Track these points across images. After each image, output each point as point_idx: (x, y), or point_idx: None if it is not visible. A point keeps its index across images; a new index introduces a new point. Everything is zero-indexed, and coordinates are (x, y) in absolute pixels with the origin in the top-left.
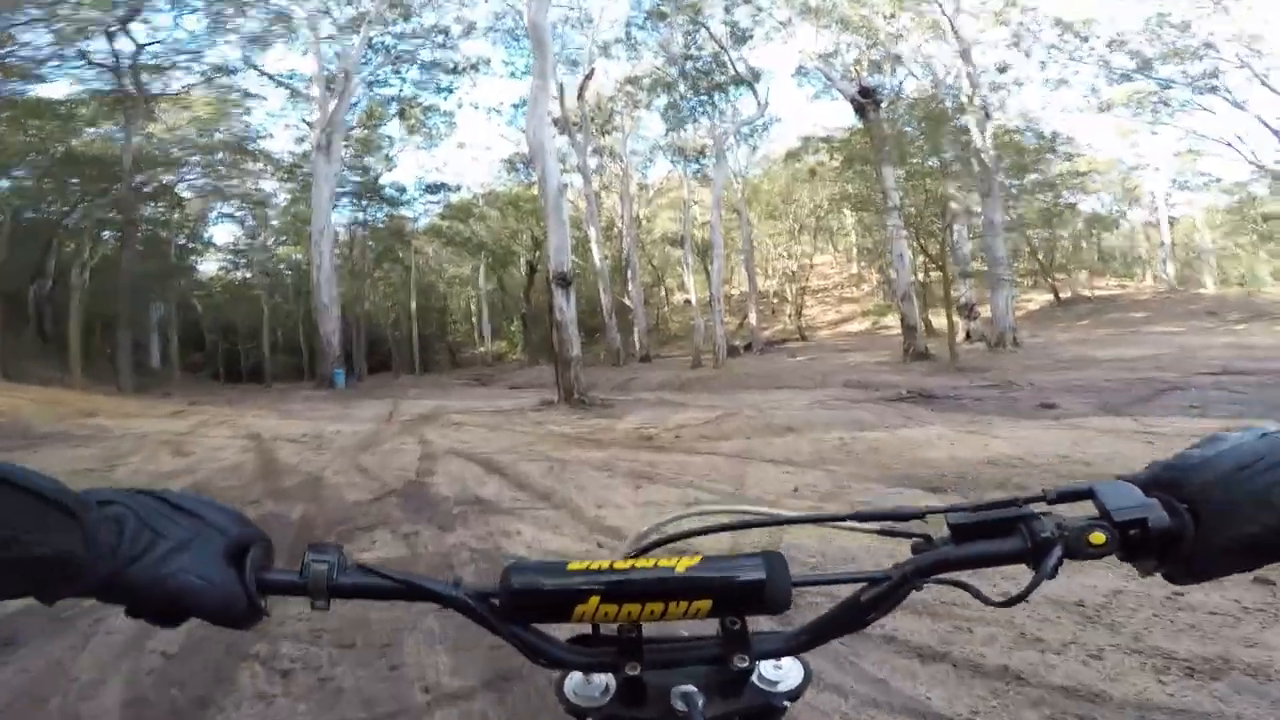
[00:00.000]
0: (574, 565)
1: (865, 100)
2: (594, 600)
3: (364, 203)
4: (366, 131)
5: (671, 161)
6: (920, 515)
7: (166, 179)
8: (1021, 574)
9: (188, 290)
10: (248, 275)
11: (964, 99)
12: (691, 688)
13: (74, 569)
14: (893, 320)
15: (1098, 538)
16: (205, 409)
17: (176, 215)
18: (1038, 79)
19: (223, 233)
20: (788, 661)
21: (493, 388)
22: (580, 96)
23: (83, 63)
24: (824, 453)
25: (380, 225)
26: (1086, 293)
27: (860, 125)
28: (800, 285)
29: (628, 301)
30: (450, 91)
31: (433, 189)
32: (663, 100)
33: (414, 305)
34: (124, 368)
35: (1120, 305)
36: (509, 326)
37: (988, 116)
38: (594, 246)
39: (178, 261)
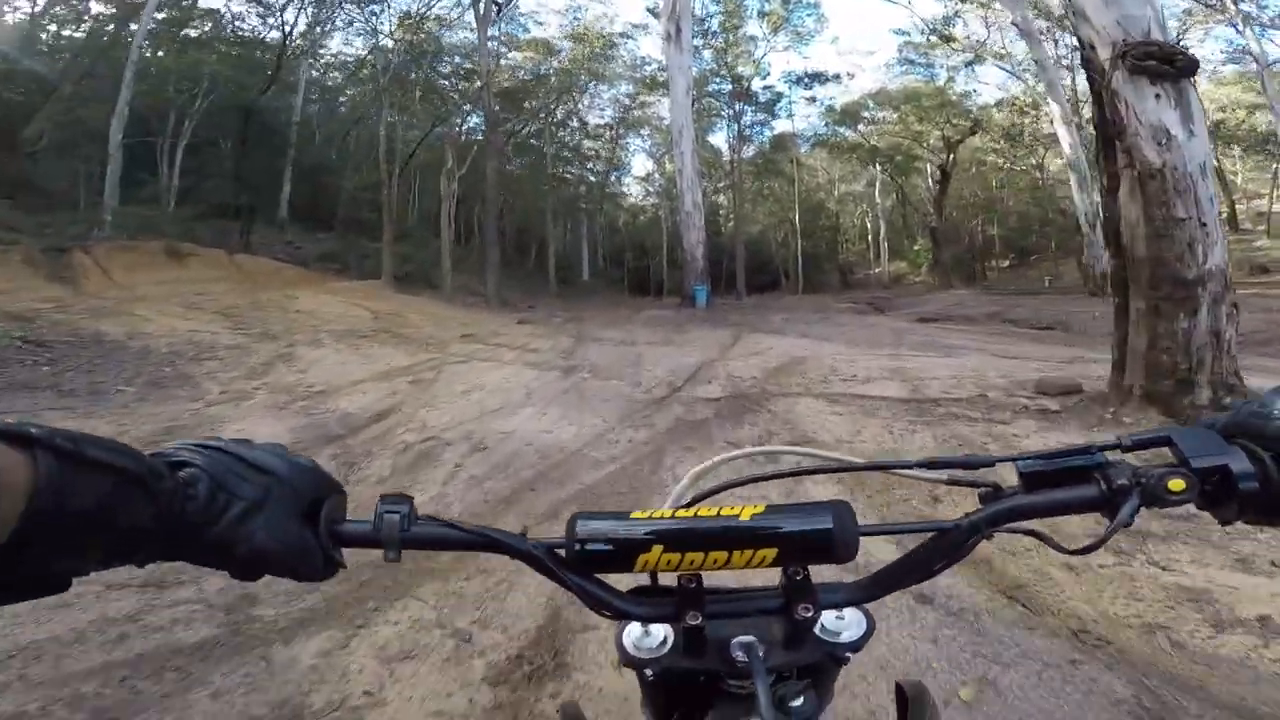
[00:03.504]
0: (637, 514)
1: None
2: (657, 549)
3: (739, 108)
4: (728, 35)
5: None
6: (991, 463)
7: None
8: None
9: (612, 213)
10: (655, 200)
11: None
12: (751, 638)
13: (147, 537)
14: None
15: (1177, 484)
16: (511, 335)
17: (589, 142)
18: None
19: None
20: (849, 612)
21: (892, 316)
22: None
23: None
24: None
25: (759, 136)
26: None
27: None
28: None
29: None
30: None
31: (806, 80)
32: None
33: (798, 219)
34: (491, 280)
35: None
36: (909, 245)
37: None
38: (1060, 127)
39: (568, 180)
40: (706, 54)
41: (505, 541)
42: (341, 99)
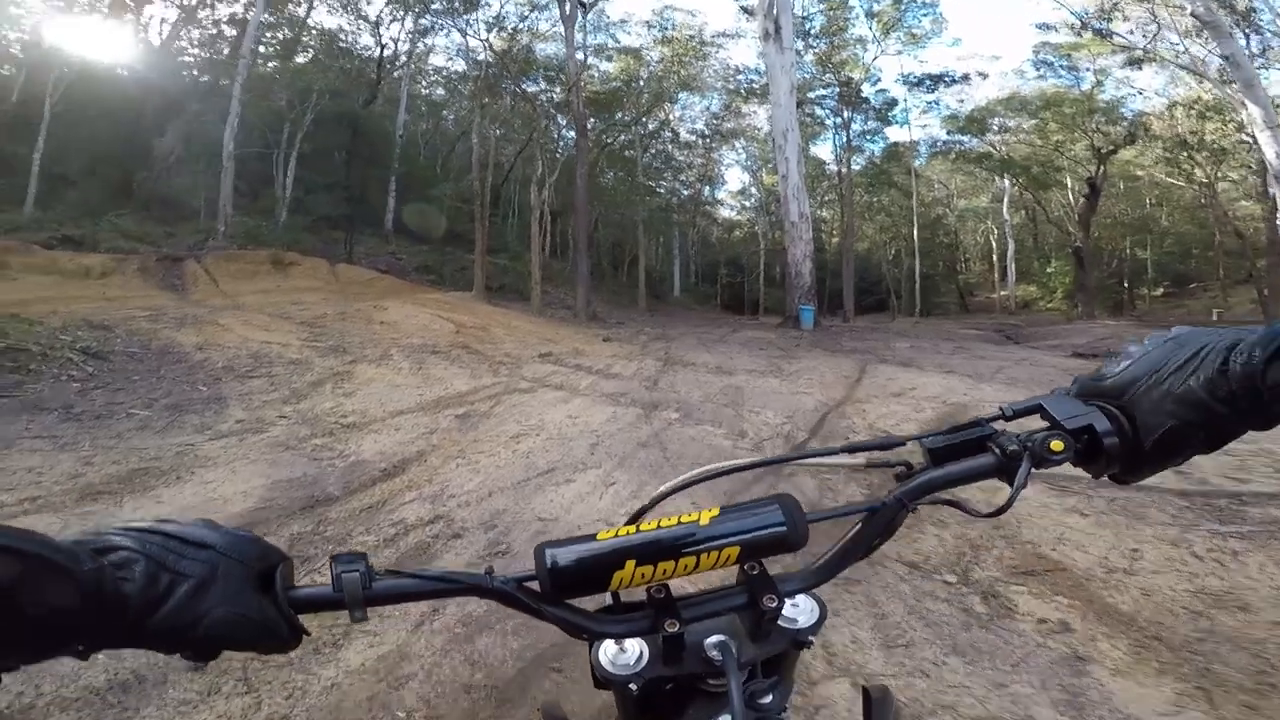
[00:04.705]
0: (603, 534)
1: None
2: (630, 564)
3: (848, 115)
4: (832, 38)
5: None
6: (902, 443)
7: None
8: None
9: (704, 228)
10: (751, 214)
11: None
12: (723, 637)
13: (77, 624)
14: None
15: (1058, 445)
16: (593, 355)
17: (681, 153)
18: None
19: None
20: (801, 599)
21: (1038, 349)
22: None
23: None
24: None
25: (871, 145)
26: None
27: None
28: None
29: None
30: None
31: (928, 83)
32: None
33: (915, 235)
34: (580, 294)
35: None
36: (1042, 267)
37: None
38: (1263, 133)
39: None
40: (808, 58)
41: (473, 583)
42: (446, 112)
